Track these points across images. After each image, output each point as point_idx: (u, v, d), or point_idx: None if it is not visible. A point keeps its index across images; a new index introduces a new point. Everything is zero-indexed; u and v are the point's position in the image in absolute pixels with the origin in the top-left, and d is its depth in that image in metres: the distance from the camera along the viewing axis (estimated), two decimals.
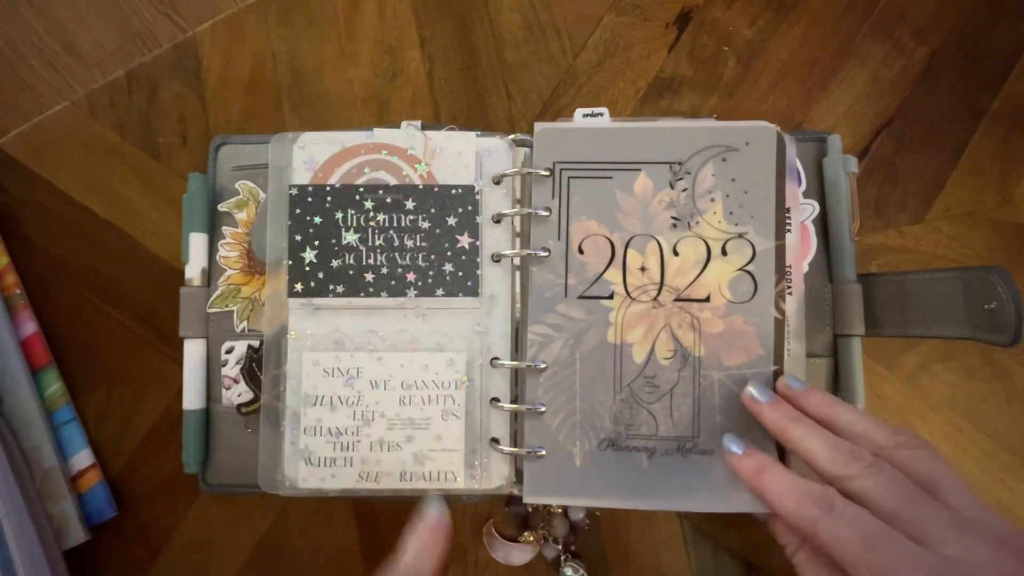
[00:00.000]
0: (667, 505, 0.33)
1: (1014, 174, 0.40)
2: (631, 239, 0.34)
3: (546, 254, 0.34)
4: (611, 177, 0.34)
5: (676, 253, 0.33)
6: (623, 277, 0.34)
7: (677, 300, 0.33)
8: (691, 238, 0.33)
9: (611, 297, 0.33)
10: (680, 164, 0.34)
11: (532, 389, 0.34)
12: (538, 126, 0.35)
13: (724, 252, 0.33)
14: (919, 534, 0.23)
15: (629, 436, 0.33)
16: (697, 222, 0.33)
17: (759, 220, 0.33)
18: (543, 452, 0.33)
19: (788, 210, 0.34)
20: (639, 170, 0.34)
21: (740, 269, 0.33)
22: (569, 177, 0.34)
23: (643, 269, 0.34)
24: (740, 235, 0.33)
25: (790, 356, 0.33)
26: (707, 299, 0.33)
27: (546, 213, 0.34)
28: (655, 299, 0.33)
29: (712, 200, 0.33)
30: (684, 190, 0.34)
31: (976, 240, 0.40)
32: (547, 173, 0.34)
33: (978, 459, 0.38)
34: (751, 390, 0.31)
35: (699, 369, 0.33)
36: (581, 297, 0.34)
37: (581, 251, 0.34)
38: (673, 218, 0.34)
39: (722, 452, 0.31)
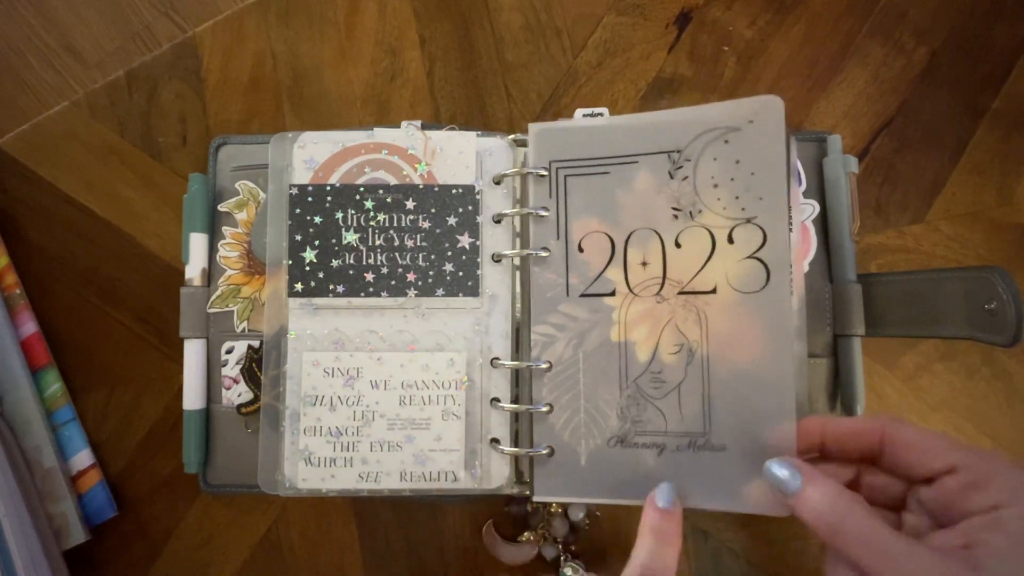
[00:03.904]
0: None
1: (1014, 174, 0.40)
2: (631, 234, 0.33)
3: (547, 254, 0.34)
4: (609, 173, 0.33)
5: (678, 245, 0.32)
6: (624, 274, 0.33)
7: (681, 293, 0.32)
8: (694, 228, 0.32)
9: (613, 295, 0.33)
10: (679, 152, 0.32)
11: (536, 389, 0.34)
12: (532, 127, 0.34)
13: (731, 240, 0.31)
14: None
15: (637, 432, 0.32)
16: (700, 211, 0.32)
17: (770, 203, 0.31)
18: (544, 451, 0.33)
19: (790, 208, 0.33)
20: (636, 163, 0.33)
21: (749, 257, 0.31)
22: (566, 176, 0.34)
23: (644, 264, 0.33)
24: (748, 220, 0.31)
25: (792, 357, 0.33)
26: (713, 291, 0.31)
27: (545, 213, 0.34)
28: (658, 294, 0.33)
29: (715, 186, 0.32)
30: (685, 179, 0.32)
31: (976, 240, 0.40)
32: (544, 173, 0.34)
33: None
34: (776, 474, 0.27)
35: (707, 364, 0.31)
36: (583, 296, 0.33)
37: (581, 249, 0.34)
38: (674, 209, 0.32)
39: (735, 448, 0.30)
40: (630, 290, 0.33)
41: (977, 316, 0.32)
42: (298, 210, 0.35)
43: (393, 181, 0.35)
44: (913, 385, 0.39)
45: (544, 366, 0.33)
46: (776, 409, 0.30)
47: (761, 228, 0.31)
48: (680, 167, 0.32)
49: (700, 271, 0.32)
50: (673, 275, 0.32)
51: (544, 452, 0.33)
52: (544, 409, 0.33)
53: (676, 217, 0.32)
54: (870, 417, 0.28)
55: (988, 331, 0.31)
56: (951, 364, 0.39)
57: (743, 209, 0.31)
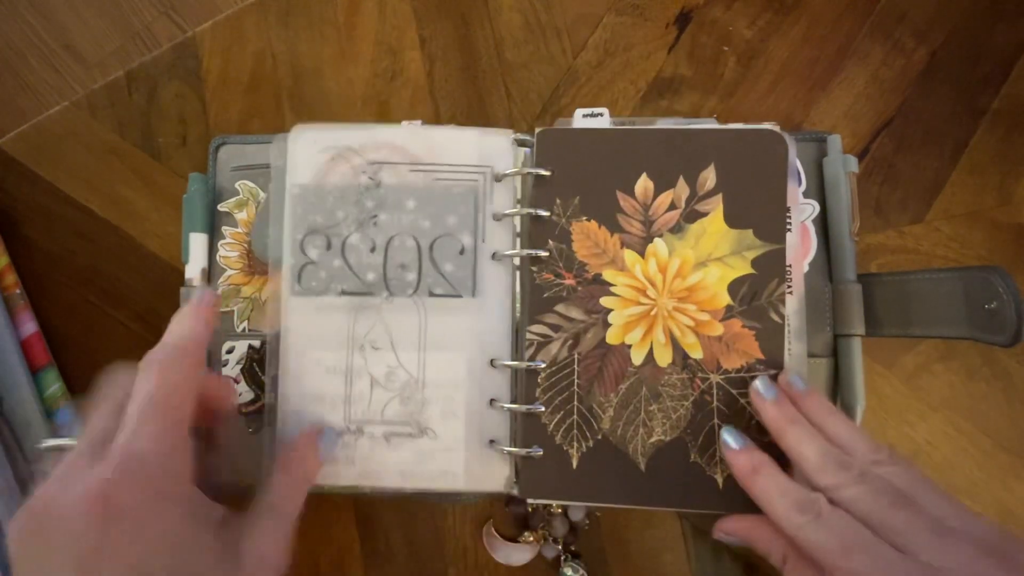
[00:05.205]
0: (665, 505, 0.33)
1: (1014, 174, 0.40)
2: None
3: (546, 254, 0.34)
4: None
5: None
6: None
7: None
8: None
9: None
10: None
11: (530, 389, 0.34)
12: (539, 129, 0.35)
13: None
14: (900, 541, 0.24)
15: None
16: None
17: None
18: (540, 452, 0.33)
19: (788, 210, 0.33)
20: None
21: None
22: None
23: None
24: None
25: (791, 356, 0.33)
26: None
27: (546, 213, 0.34)
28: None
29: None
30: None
31: (976, 240, 0.40)
32: (548, 174, 0.34)
33: (978, 459, 0.38)
34: (758, 385, 0.31)
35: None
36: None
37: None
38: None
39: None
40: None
41: (977, 316, 0.32)
42: (299, 209, 0.35)
43: (394, 180, 0.35)
44: (913, 385, 0.39)
45: (541, 366, 0.33)
46: None
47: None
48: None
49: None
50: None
51: (540, 453, 0.33)
52: (541, 409, 0.33)
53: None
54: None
55: (988, 331, 0.31)
56: (951, 364, 0.39)
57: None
